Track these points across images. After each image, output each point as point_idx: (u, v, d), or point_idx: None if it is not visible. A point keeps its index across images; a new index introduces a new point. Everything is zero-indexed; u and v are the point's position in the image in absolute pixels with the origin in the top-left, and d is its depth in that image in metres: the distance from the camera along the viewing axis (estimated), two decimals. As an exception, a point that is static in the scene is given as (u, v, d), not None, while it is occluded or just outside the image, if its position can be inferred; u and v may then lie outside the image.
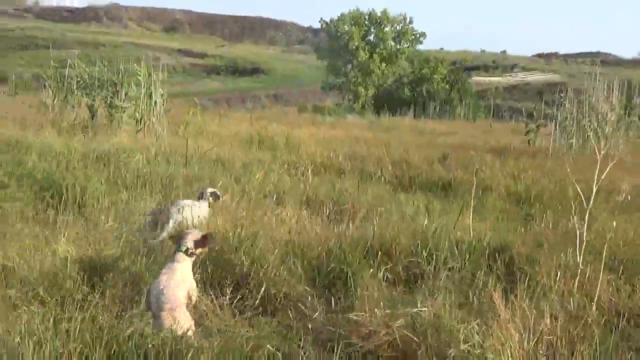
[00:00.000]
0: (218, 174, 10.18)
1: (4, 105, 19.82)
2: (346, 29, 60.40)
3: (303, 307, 5.75)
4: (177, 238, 5.84)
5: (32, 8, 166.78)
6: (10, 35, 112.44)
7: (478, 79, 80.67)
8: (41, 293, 5.55)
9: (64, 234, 6.73)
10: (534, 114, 21.70)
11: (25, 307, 5.14)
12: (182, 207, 7.64)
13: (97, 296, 5.52)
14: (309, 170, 11.71)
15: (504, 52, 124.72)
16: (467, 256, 6.98)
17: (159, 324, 4.96)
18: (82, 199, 8.67)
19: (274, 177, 10.65)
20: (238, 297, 5.83)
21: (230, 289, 5.82)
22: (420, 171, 12.52)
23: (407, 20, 61.88)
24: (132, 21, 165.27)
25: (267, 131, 17.05)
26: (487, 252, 7.14)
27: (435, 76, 50.99)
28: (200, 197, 8.06)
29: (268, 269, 6.22)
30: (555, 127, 17.01)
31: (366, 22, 61.77)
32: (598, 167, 6.93)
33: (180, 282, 5.33)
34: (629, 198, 10.31)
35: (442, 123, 33.98)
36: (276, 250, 6.56)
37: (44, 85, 18.32)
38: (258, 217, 7.78)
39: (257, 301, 5.88)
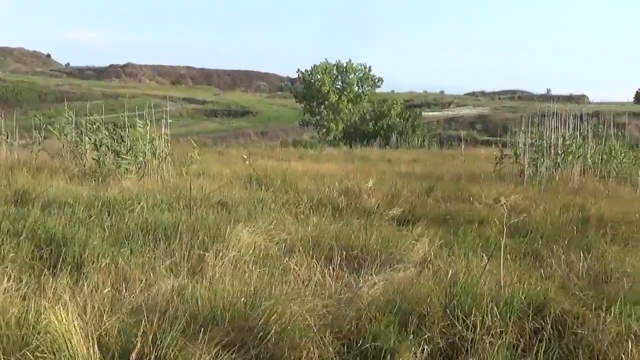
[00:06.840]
0: (223, 220, 7.85)
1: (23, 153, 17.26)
2: (319, 77, 59.05)
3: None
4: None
5: (64, 68, 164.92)
6: (46, 91, 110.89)
7: (424, 114, 78.90)
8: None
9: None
10: (498, 144, 19.60)
11: None
12: None
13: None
14: (310, 210, 9.54)
15: (442, 92, 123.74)
16: (509, 316, 4.84)
17: None
18: (80, 257, 6.35)
19: (277, 219, 8.36)
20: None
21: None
22: (414, 205, 10.27)
23: (367, 69, 60.87)
24: (145, 76, 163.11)
25: (263, 170, 14.68)
26: (529, 310, 4.98)
27: (392, 112, 49.52)
28: None
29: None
30: (518, 154, 14.68)
31: (334, 72, 60.52)
32: None
33: None
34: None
35: (403, 151, 31.99)
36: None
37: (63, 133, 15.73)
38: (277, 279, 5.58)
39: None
